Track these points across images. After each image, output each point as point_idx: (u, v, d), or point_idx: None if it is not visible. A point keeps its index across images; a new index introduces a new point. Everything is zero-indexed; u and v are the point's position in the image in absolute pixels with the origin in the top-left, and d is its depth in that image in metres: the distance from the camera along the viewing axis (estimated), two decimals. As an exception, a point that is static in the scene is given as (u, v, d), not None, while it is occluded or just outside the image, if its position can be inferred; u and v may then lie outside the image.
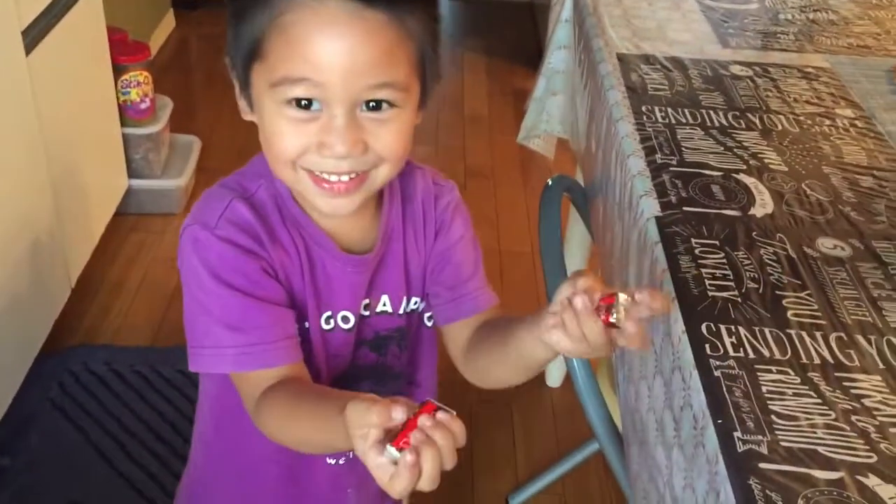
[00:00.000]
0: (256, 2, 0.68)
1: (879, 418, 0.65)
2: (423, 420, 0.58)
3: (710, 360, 0.69)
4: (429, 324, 0.86)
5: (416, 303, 0.84)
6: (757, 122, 1.06)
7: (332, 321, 0.80)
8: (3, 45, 1.52)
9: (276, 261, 0.75)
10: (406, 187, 0.82)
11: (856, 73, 1.20)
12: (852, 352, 0.71)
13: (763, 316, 0.74)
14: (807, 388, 0.67)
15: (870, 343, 0.72)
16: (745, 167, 0.96)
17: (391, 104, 0.68)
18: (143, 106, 2.15)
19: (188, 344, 0.76)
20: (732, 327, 0.73)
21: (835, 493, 0.59)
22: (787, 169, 0.96)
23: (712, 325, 0.73)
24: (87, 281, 1.96)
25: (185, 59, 3.06)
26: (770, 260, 0.81)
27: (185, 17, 3.22)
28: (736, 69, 1.19)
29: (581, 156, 1.32)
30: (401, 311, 0.83)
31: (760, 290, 0.77)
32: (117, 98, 2.09)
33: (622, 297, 0.59)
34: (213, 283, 0.73)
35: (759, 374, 0.68)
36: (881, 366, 0.70)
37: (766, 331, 0.72)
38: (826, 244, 0.84)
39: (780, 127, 1.05)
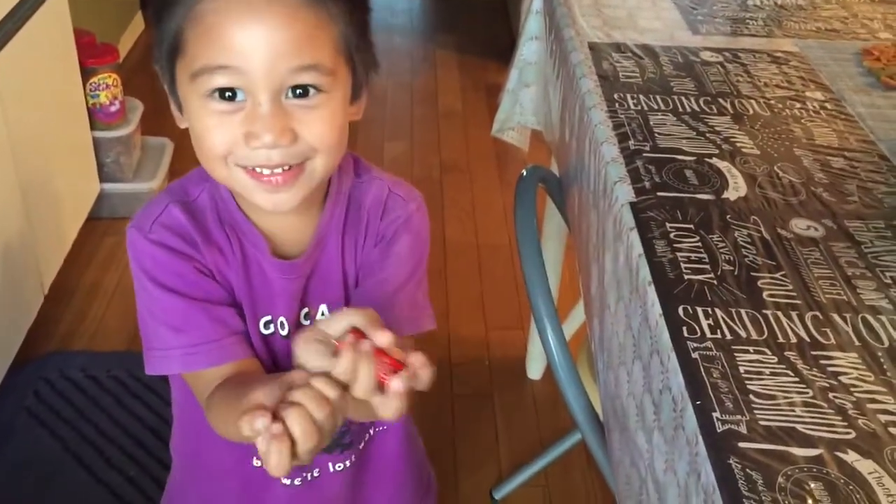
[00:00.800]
0: None
1: (856, 394, 0.65)
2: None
3: (688, 342, 0.69)
4: None
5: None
6: (728, 106, 1.06)
7: (271, 326, 0.78)
8: (-34, 48, 1.50)
9: (210, 262, 0.75)
10: (358, 195, 0.80)
11: (824, 56, 1.20)
12: (828, 330, 0.71)
13: (739, 297, 0.74)
14: (784, 367, 0.67)
15: (845, 321, 0.72)
16: (717, 151, 0.96)
17: (317, 89, 0.66)
18: (112, 109, 2.13)
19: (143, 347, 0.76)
20: (709, 309, 0.73)
21: (814, 469, 0.59)
22: (759, 152, 0.97)
23: (689, 307, 0.73)
24: (60, 287, 1.94)
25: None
26: (744, 242, 0.81)
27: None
28: (706, 55, 1.19)
29: (555, 146, 1.32)
30: None
31: (736, 272, 0.77)
32: (86, 101, 2.06)
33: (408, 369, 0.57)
34: (151, 285, 0.73)
35: (736, 354, 0.68)
36: (857, 343, 0.70)
37: (743, 312, 0.73)
38: (799, 225, 0.85)
39: (751, 111, 1.05)
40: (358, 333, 0.58)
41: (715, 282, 0.76)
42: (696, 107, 1.06)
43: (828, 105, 1.07)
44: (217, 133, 0.67)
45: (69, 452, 1.59)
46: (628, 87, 1.09)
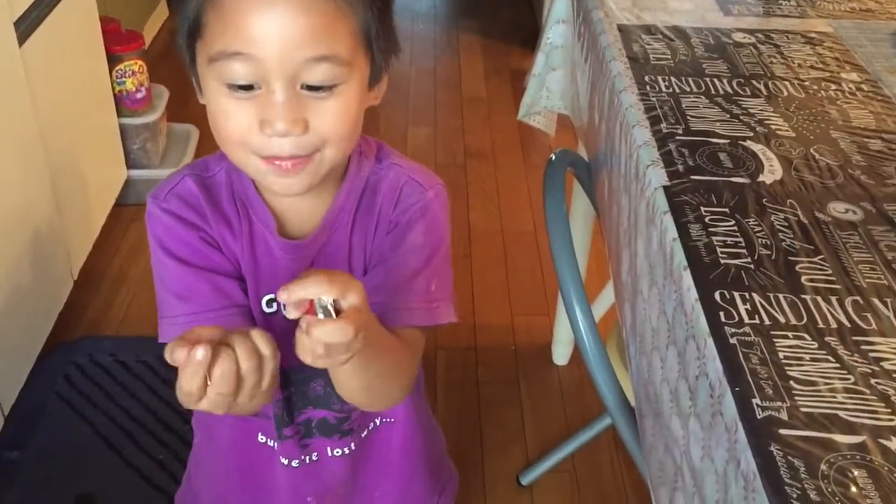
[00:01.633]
0: None
1: (899, 381, 0.64)
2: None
3: (726, 327, 0.68)
4: None
5: None
6: (762, 88, 1.04)
7: (274, 304, 0.78)
8: (-5, 36, 1.50)
9: (216, 234, 0.76)
10: (375, 181, 0.79)
11: (860, 36, 1.18)
12: (869, 315, 0.70)
13: (777, 282, 0.73)
14: (824, 352, 0.66)
15: (886, 306, 0.71)
16: (752, 134, 0.95)
17: (333, 83, 0.66)
18: (139, 95, 2.13)
19: None
20: (746, 294, 0.72)
21: (857, 457, 0.58)
22: (794, 135, 0.95)
23: (726, 292, 0.72)
24: (89, 273, 1.96)
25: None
26: (781, 226, 0.80)
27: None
28: (738, 36, 1.17)
29: (583, 130, 1.31)
30: None
31: (773, 257, 0.76)
32: (113, 88, 2.07)
33: (316, 298, 0.57)
34: (162, 253, 0.75)
35: (775, 340, 0.67)
36: (898, 328, 0.69)
37: (781, 297, 0.71)
38: (837, 208, 0.83)
39: (785, 93, 1.04)
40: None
41: (752, 266, 0.75)
42: (729, 89, 1.04)
43: (864, 86, 1.05)
44: (232, 118, 0.67)
45: (99, 436, 1.61)
46: (659, 70, 1.08)
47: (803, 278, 0.74)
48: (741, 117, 0.98)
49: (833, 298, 0.72)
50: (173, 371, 0.57)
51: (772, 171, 0.88)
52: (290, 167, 0.68)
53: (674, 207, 0.82)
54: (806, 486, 0.56)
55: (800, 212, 0.82)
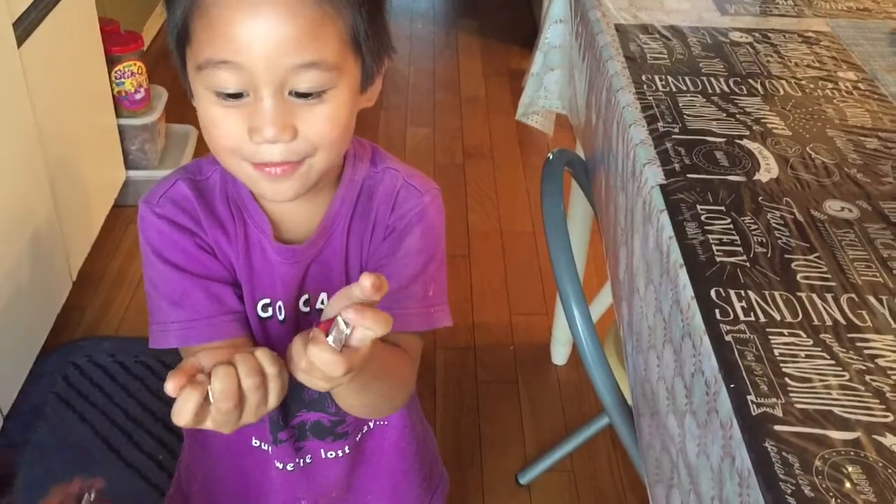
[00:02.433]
0: None
1: (894, 377, 0.64)
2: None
3: (721, 325, 0.69)
4: None
5: None
6: (759, 87, 1.05)
7: (269, 309, 0.78)
8: (-6, 36, 1.51)
9: (211, 239, 0.75)
10: (370, 185, 0.79)
11: (856, 35, 1.18)
12: (864, 312, 0.70)
13: (773, 280, 0.73)
14: (819, 349, 0.66)
15: (881, 303, 0.71)
16: (748, 133, 0.95)
17: (321, 89, 0.66)
18: (137, 96, 2.14)
19: None
20: (742, 292, 0.72)
21: (852, 453, 0.58)
22: (790, 133, 0.95)
23: (721, 290, 0.72)
24: (88, 273, 1.96)
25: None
26: (777, 224, 0.80)
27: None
28: (735, 36, 1.18)
29: (581, 130, 1.31)
30: None
31: (769, 255, 0.76)
32: (112, 89, 2.07)
33: (342, 319, 0.56)
34: (154, 258, 0.75)
35: (770, 337, 0.67)
36: (894, 325, 0.69)
37: (777, 294, 0.72)
38: (833, 206, 0.83)
39: (782, 92, 1.04)
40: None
41: (748, 264, 0.75)
42: (725, 88, 1.04)
43: (860, 85, 1.05)
44: (222, 126, 0.67)
45: (98, 437, 1.61)
46: (656, 69, 1.08)
47: (799, 276, 0.74)
48: (738, 116, 0.98)
49: (828, 296, 0.72)
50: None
51: (768, 170, 0.89)
52: (279, 173, 0.68)
53: (670, 206, 0.82)
54: (800, 481, 0.56)
55: (796, 210, 0.83)
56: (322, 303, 0.79)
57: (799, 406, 0.62)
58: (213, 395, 0.56)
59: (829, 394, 0.62)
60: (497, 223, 2.26)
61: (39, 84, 1.65)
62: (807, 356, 0.66)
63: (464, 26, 3.37)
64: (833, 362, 0.65)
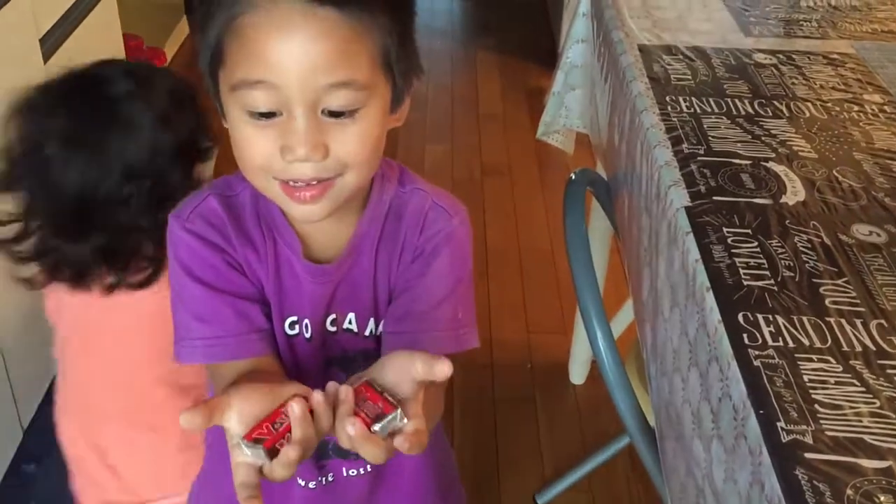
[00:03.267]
0: (214, 7, 0.67)
1: (925, 405, 0.63)
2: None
3: (749, 350, 0.68)
4: None
5: (382, 326, 0.79)
6: (784, 109, 1.04)
7: (296, 327, 0.78)
8: (22, 51, 1.53)
9: (241, 257, 0.75)
10: (398, 205, 0.79)
11: (881, 58, 1.18)
12: (894, 338, 0.69)
13: (801, 304, 0.73)
14: (849, 376, 0.66)
15: (911, 329, 0.71)
16: (774, 155, 0.95)
17: (353, 108, 0.66)
18: (159, 111, 2.15)
19: None
20: (770, 316, 0.71)
21: (883, 481, 0.57)
22: (816, 156, 0.95)
23: (749, 314, 0.72)
24: (108, 287, 1.96)
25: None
26: (805, 248, 0.80)
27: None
28: (759, 57, 1.18)
29: (602, 150, 1.31)
30: (366, 333, 0.79)
31: (797, 279, 0.76)
32: (134, 104, 2.09)
33: (401, 413, 0.57)
34: (182, 273, 0.74)
35: (799, 362, 0.67)
36: (924, 352, 0.68)
37: (805, 319, 0.71)
38: (861, 230, 0.83)
39: (807, 114, 1.03)
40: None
41: (775, 288, 0.75)
42: (750, 109, 1.04)
43: (887, 108, 1.05)
44: (254, 145, 0.67)
45: (116, 450, 1.61)
46: (680, 90, 1.08)
47: (827, 301, 0.74)
48: (763, 138, 0.98)
49: (857, 321, 0.71)
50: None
51: (794, 193, 0.88)
52: (307, 198, 0.68)
53: (696, 228, 0.82)
54: (832, 511, 0.55)
55: (823, 233, 0.82)
56: (350, 322, 0.79)
57: (829, 433, 0.61)
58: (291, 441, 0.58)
59: (860, 421, 0.62)
60: (515, 240, 2.26)
61: (64, 99, 1.67)
62: (836, 382, 0.65)
63: (482, 44, 3.38)
64: (863, 389, 0.65)
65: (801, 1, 1.36)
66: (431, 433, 0.92)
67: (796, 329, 0.70)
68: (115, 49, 1.99)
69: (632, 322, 1.70)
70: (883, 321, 0.71)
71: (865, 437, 0.61)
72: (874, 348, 0.68)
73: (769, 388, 0.65)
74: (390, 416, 0.57)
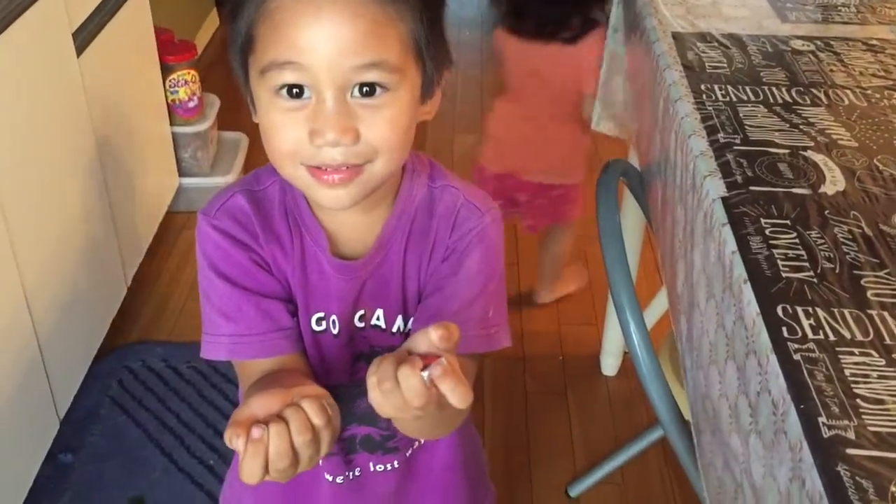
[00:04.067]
0: None
1: (972, 400, 0.62)
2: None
3: (788, 343, 0.67)
4: None
5: (411, 324, 0.79)
6: (822, 97, 1.02)
7: (323, 323, 0.78)
8: (55, 46, 1.54)
9: (267, 254, 0.75)
10: (429, 202, 0.78)
11: (923, 43, 1.15)
12: (939, 332, 0.68)
13: (842, 296, 0.71)
14: (893, 370, 0.64)
15: (956, 322, 0.69)
16: (812, 144, 0.93)
17: (383, 87, 0.66)
18: (191, 104, 2.17)
19: None
20: (810, 309, 0.70)
21: (929, 479, 0.56)
22: (856, 144, 0.93)
23: (788, 307, 0.70)
24: (142, 279, 1.99)
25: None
26: (845, 238, 0.78)
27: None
28: (797, 44, 1.15)
29: (635, 139, 1.30)
30: (394, 330, 0.79)
31: (837, 270, 0.74)
32: (166, 97, 2.11)
33: (443, 361, 0.56)
34: (209, 270, 0.75)
35: (840, 356, 0.65)
36: (970, 346, 0.66)
37: (846, 312, 0.70)
38: (903, 221, 0.81)
39: (846, 101, 1.01)
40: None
41: (815, 280, 0.73)
42: (787, 97, 1.02)
43: (929, 95, 1.02)
44: (284, 131, 0.67)
45: (151, 440, 1.63)
46: (715, 78, 1.06)
47: (869, 293, 0.72)
48: (801, 127, 0.96)
49: (901, 314, 0.69)
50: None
51: (834, 182, 0.86)
52: (336, 181, 0.67)
53: (733, 219, 0.81)
54: (876, 508, 0.54)
55: (864, 224, 0.80)
56: (378, 319, 0.79)
57: (872, 429, 0.59)
58: (269, 458, 0.58)
59: (904, 417, 0.60)
60: (545, 231, 2.25)
61: (97, 92, 1.69)
62: (879, 377, 0.64)
63: (512, 33, 3.36)
64: (907, 384, 0.63)
65: (840, -14, 1.33)
66: (460, 431, 0.92)
67: (837, 322, 0.69)
68: (146, 43, 2.00)
69: (664, 313, 1.68)
70: (927, 314, 0.69)
71: (910, 432, 0.59)
72: (918, 342, 0.67)
73: (810, 383, 0.63)
74: (436, 365, 0.56)
